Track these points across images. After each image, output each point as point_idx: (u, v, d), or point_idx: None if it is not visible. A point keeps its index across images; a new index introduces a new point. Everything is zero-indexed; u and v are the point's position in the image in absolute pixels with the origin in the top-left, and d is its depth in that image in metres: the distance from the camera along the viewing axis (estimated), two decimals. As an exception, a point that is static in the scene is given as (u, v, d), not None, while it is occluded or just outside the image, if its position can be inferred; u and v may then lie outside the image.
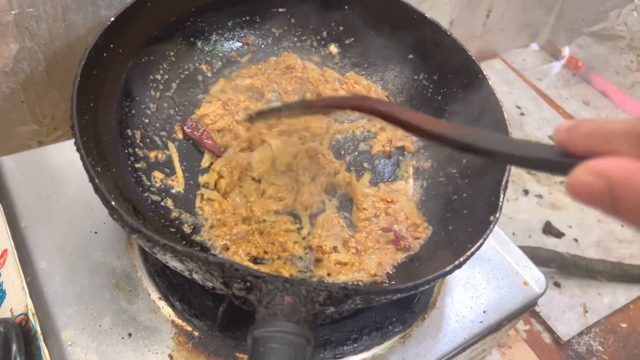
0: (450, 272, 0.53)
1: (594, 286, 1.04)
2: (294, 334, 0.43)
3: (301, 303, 0.46)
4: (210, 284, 0.51)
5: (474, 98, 0.73)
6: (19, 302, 0.65)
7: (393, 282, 0.62)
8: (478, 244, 0.55)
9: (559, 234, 1.12)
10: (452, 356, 0.66)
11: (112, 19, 0.63)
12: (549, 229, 1.12)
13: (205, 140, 0.72)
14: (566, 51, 1.57)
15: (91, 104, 0.60)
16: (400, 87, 0.82)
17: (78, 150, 0.53)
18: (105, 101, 0.63)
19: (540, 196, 1.19)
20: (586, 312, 1.00)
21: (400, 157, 0.78)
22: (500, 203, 0.59)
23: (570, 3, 1.49)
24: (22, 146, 0.89)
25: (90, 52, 0.60)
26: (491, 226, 0.57)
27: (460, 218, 0.66)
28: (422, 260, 0.64)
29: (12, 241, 0.67)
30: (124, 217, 0.49)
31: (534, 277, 0.75)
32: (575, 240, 1.12)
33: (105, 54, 0.63)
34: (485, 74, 0.71)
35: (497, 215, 0.58)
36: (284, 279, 0.47)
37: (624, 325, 1.01)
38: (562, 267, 1.02)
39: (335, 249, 0.65)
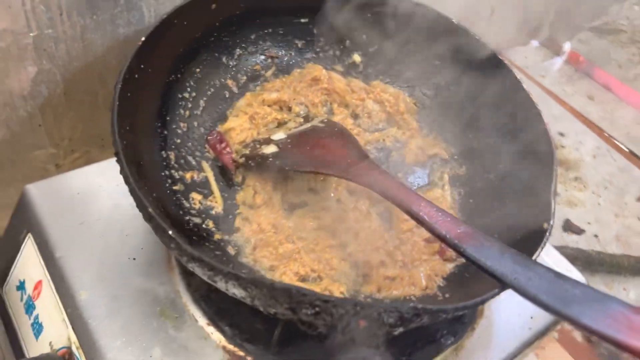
0: (513, 283, 0.52)
1: (618, 281, 1.05)
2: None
3: (376, 327, 0.45)
4: (274, 310, 0.49)
5: (507, 106, 0.73)
6: (59, 335, 0.63)
7: (447, 295, 0.61)
8: (537, 253, 0.55)
9: (580, 231, 1.12)
10: (504, 365, 0.66)
11: (143, 39, 0.62)
12: (569, 227, 1.13)
13: (225, 155, 0.70)
14: (567, 47, 1.58)
15: (127, 128, 0.58)
16: (428, 94, 0.81)
17: (126, 181, 0.51)
18: (140, 124, 0.61)
19: (557, 194, 1.19)
20: (614, 308, 1.01)
21: (434, 165, 0.77)
22: (553, 210, 0.58)
23: (570, -1, 1.50)
24: (39, 170, 0.86)
25: (125, 74, 0.58)
26: (547, 234, 0.56)
27: (506, 225, 0.66)
28: (472, 269, 0.63)
29: (47, 272, 0.65)
30: (183, 247, 0.48)
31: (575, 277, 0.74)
32: (596, 236, 1.12)
33: (137, 76, 0.61)
34: (519, 78, 0.71)
35: (552, 222, 0.58)
36: (354, 302, 0.46)
37: (651, 319, 1.01)
38: (587, 264, 1.03)
39: (382, 263, 0.64)
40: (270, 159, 0.68)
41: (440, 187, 0.74)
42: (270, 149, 0.70)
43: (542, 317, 0.69)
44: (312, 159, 0.68)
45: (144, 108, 0.63)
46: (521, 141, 0.69)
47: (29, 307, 0.68)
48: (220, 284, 0.49)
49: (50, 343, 0.64)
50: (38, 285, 0.67)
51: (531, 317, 0.69)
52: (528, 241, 0.57)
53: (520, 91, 0.70)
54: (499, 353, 0.65)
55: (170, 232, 0.48)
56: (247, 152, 0.70)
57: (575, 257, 1.01)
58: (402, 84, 0.83)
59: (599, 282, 1.05)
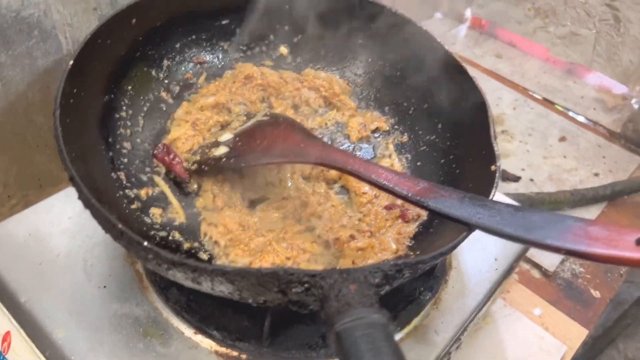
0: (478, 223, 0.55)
1: (559, 216, 1.13)
2: (375, 316, 0.43)
3: (365, 288, 0.46)
4: (263, 298, 0.50)
5: (431, 68, 0.77)
6: (41, 381, 0.60)
7: (418, 252, 0.63)
8: (492, 192, 0.59)
9: (516, 178, 1.20)
10: (481, 308, 0.69)
11: (71, 62, 0.60)
12: (506, 176, 1.20)
13: (176, 166, 0.70)
14: (468, 13, 1.67)
15: (74, 154, 0.56)
16: (358, 73, 0.84)
17: (88, 204, 0.50)
18: (85, 148, 0.60)
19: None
20: (561, 240, 1.08)
21: (378, 138, 0.80)
22: (497, 152, 0.63)
23: (462, -32, 1.59)
24: (-23, 224, 0.82)
25: (61, 100, 0.57)
26: (497, 174, 0.61)
27: (457, 177, 0.70)
28: (435, 225, 0.67)
29: (14, 321, 0.62)
30: (162, 254, 0.48)
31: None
32: (531, 179, 1.20)
33: (72, 101, 0.59)
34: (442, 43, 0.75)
35: (498, 163, 0.62)
36: (339, 271, 0.48)
37: (594, 243, 1.10)
38: (530, 206, 1.10)
39: (352, 237, 0.66)
40: (224, 160, 0.68)
41: (388, 157, 0.77)
42: (221, 150, 0.70)
43: (505, 257, 0.74)
44: (264, 151, 0.69)
45: (85, 132, 0.62)
46: (452, 98, 0.73)
47: (1, 362, 0.65)
48: (206, 284, 0.49)
49: (32, 392, 0.61)
50: (6, 336, 0.63)
51: (495, 259, 0.73)
52: (480, 186, 0.61)
53: (439, 50, 0.74)
54: (474, 297, 0.69)
55: (145, 244, 0.48)
56: (197, 158, 0.70)
57: (519, 201, 1.07)
58: (332, 68, 0.85)
59: (543, 220, 1.12)
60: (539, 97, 1.45)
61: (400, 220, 0.69)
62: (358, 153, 0.78)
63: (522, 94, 1.44)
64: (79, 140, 0.59)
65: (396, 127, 0.80)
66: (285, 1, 0.81)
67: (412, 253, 0.64)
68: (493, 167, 0.62)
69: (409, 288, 0.68)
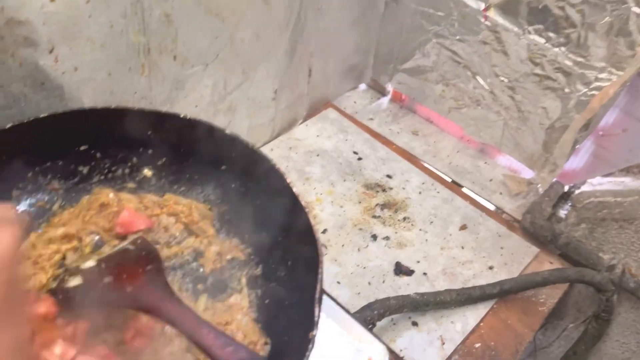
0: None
1: (446, 316, 1.14)
2: None
3: None
4: None
5: (277, 199, 0.77)
6: None
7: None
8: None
9: (409, 272, 1.21)
10: None
11: None
12: (400, 269, 1.21)
13: None
14: (389, 87, 1.70)
15: None
16: (221, 196, 0.85)
17: None
18: None
19: (387, 238, 1.28)
20: (443, 343, 1.10)
21: (233, 269, 0.80)
22: (316, 319, 0.63)
23: (383, 45, 1.62)
24: None
25: None
26: (310, 345, 0.61)
27: (294, 327, 0.70)
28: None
29: None
30: None
31: (377, 350, 0.81)
32: (425, 274, 1.22)
33: None
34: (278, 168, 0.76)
35: (315, 332, 0.62)
36: None
37: (477, 345, 1.12)
38: (415, 308, 1.11)
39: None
40: (74, 294, 0.67)
41: (239, 292, 0.78)
42: (75, 282, 0.69)
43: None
44: (114, 290, 0.68)
45: None
46: (297, 240, 0.74)
47: None
48: None
49: None
50: None
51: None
52: (298, 350, 0.62)
53: (287, 189, 0.75)
54: None
55: None
56: (53, 286, 0.70)
57: (402, 305, 1.09)
58: (196, 190, 0.86)
59: (430, 319, 1.14)
60: (448, 180, 1.47)
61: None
62: (210, 286, 0.78)
63: (431, 177, 1.46)
64: None
65: (252, 257, 0.81)
66: (147, 128, 0.81)
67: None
68: (311, 334, 0.62)
69: None
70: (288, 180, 0.76)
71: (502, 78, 1.38)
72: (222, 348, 0.59)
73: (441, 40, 1.47)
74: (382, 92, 1.74)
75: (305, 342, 0.62)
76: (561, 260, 1.32)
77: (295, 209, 0.75)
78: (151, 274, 0.69)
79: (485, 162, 1.56)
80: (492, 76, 1.40)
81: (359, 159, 1.48)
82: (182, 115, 0.80)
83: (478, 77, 1.44)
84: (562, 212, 1.41)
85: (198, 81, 1.08)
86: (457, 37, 1.42)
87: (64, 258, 0.75)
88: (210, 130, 0.80)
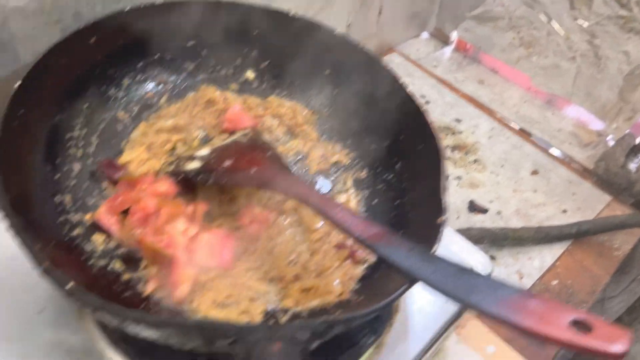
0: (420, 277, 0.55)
1: (523, 252, 1.13)
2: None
3: (291, 346, 0.46)
4: (189, 346, 0.49)
5: (392, 107, 0.76)
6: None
7: (361, 298, 0.63)
8: (434, 248, 0.58)
9: (484, 210, 1.20)
10: (427, 349, 0.69)
11: (18, 84, 0.59)
12: (474, 207, 1.20)
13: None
14: (454, 36, 1.66)
15: (11, 178, 0.55)
16: (324, 103, 0.84)
17: (17, 235, 0.49)
18: (27, 173, 0.59)
19: (459, 177, 1.26)
20: (521, 278, 1.08)
21: (337, 171, 0.79)
22: (444, 205, 0.62)
23: (450, -9, 1.59)
24: None
25: (3, 124, 0.55)
26: (441, 229, 0.60)
27: (408, 222, 0.69)
28: (382, 268, 0.66)
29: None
30: (84, 296, 0.47)
31: (479, 260, 0.80)
32: (499, 212, 1.20)
33: (16, 123, 0.58)
34: (403, 76, 0.75)
35: (444, 217, 0.61)
36: (267, 327, 0.47)
37: (554, 282, 1.10)
38: (494, 241, 1.10)
39: (297, 276, 0.65)
40: (193, 175, 0.67)
41: (345, 192, 0.77)
42: (194, 165, 0.69)
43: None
44: (232, 172, 0.68)
45: (29, 156, 0.60)
46: (411, 141, 0.73)
47: None
48: (131, 328, 0.48)
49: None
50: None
51: (445, 302, 0.73)
52: (425, 237, 0.61)
53: (401, 92, 0.73)
54: (418, 343, 0.69)
55: (67, 287, 0.47)
56: (170, 169, 0.70)
57: (482, 236, 1.08)
58: (297, 96, 0.84)
59: (507, 254, 1.12)
60: (516, 127, 1.45)
61: (349, 261, 0.68)
62: (316, 186, 0.77)
63: (499, 123, 1.44)
64: (19, 164, 0.58)
65: (356, 161, 0.80)
66: (254, 27, 0.80)
67: (355, 298, 0.63)
68: (439, 220, 0.61)
69: (349, 332, 0.67)
70: (401, 81, 0.75)
71: (580, 21, 1.34)
72: (355, 223, 0.58)
73: (516, -17, 1.43)
74: (445, 41, 1.70)
75: (434, 229, 0.61)
76: (633, 209, 1.29)
77: (408, 109, 0.73)
78: (273, 159, 0.69)
79: (553, 113, 1.52)
80: (569, 20, 1.36)
81: (427, 102, 1.46)
82: (291, 14, 0.78)
83: (553, 22, 1.40)
84: (633, 165, 1.38)
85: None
86: (535, -20, 1.38)
87: (173, 148, 0.74)
88: (318, 30, 0.79)
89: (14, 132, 0.57)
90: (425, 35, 1.73)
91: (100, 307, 0.46)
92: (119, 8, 0.74)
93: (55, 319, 0.62)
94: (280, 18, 0.79)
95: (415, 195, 0.70)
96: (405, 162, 0.74)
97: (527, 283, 1.08)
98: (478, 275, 0.52)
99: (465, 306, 0.52)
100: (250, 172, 0.66)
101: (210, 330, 0.46)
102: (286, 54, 0.82)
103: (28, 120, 0.60)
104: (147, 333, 0.48)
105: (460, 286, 0.52)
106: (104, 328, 0.62)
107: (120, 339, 0.61)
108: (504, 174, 1.30)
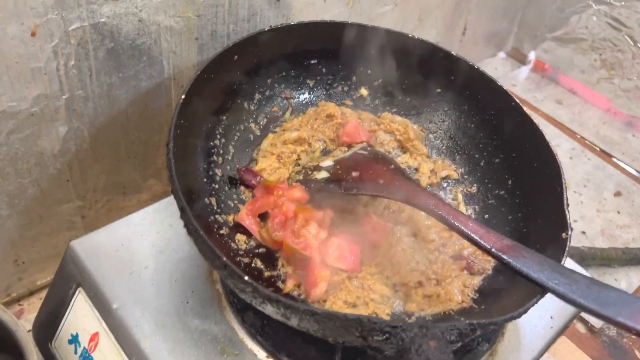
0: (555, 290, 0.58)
1: (609, 273, 1.14)
2: (453, 374, 0.47)
3: (444, 344, 0.50)
4: (343, 339, 0.54)
5: (506, 125, 0.80)
6: (125, 383, 0.66)
7: (482, 307, 0.67)
8: (563, 260, 0.62)
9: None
10: (534, 364, 0.72)
11: (183, 96, 0.66)
12: (558, 226, 1.21)
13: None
14: (532, 56, 1.68)
15: (183, 182, 0.62)
16: (433, 120, 0.88)
17: (195, 237, 0.55)
18: (185, 177, 0.65)
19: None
20: (609, 298, 1.10)
21: (447, 186, 0.84)
22: (569, 221, 0.66)
23: (531, 11, 1.61)
24: (66, 222, 0.89)
25: (174, 132, 0.62)
26: (568, 242, 0.64)
27: (523, 236, 0.73)
28: (501, 281, 0.70)
29: (104, 323, 0.68)
30: (260, 290, 0.52)
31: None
32: (583, 232, 1.22)
33: (179, 131, 0.65)
34: (519, 103, 0.78)
35: (570, 232, 0.65)
36: (419, 325, 0.51)
37: (642, 304, 1.11)
38: (581, 259, 1.11)
39: (420, 283, 0.70)
40: (323, 184, 0.73)
41: (456, 206, 0.81)
42: (323, 174, 0.75)
43: (561, 316, 0.76)
44: (360, 182, 0.73)
45: (186, 161, 0.67)
46: (526, 158, 0.76)
47: (86, 359, 0.71)
48: (294, 321, 0.54)
49: (114, 391, 0.67)
50: (94, 337, 0.70)
51: (551, 317, 0.76)
52: (548, 251, 0.64)
53: (517, 110, 0.77)
54: (529, 353, 0.72)
55: (246, 278, 0.53)
56: (300, 178, 0.76)
57: (571, 254, 1.09)
58: (407, 112, 0.89)
59: (593, 274, 1.12)
60: (597, 148, 1.45)
61: (465, 272, 0.72)
62: (427, 199, 0.82)
63: (580, 144, 1.45)
64: (185, 170, 0.65)
65: (466, 177, 0.84)
66: (371, 47, 0.85)
67: (475, 306, 0.67)
68: (564, 235, 0.65)
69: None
70: (516, 101, 0.79)
71: (670, 45, 1.34)
72: (484, 235, 0.62)
73: (602, 6, 1.45)
74: (522, 61, 1.73)
75: (558, 243, 0.64)
76: None
77: (524, 127, 0.77)
78: (396, 171, 0.74)
79: (633, 135, 1.52)
80: (658, 44, 1.37)
81: (507, 120, 1.48)
82: (410, 35, 0.83)
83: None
84: None
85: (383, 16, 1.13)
86: (623, 3, 1.39)
87: (298, 158, 0.81)
88: (434, 51, 0.83)
89: (177, 139, 0.64)
90: (501, 54, 1.76)
91: (275, 300, 0.52)
92: (251, 26, 0.81)
93: (199, 310, 0.69)
94: (398, 38, 0.84)
95: (533, 210, 0.73)
96: (518, 178, 0.78)
97: (614, 303, 1.09)
98: (612, 287, 0.56)
99: (599, 318, 0.55)
100: (379, 182, 0.71)
101: (369, 325, 0.51)
102: (400, 73, 0.87)
103: (187, 129, 0.67)
104: (308, 325, 0.54)
105: (593, 298, 0.55)
106: (244, 321, 0.68)
107: (257, 332, 0.67)
108: (587, 194, 1.31)
